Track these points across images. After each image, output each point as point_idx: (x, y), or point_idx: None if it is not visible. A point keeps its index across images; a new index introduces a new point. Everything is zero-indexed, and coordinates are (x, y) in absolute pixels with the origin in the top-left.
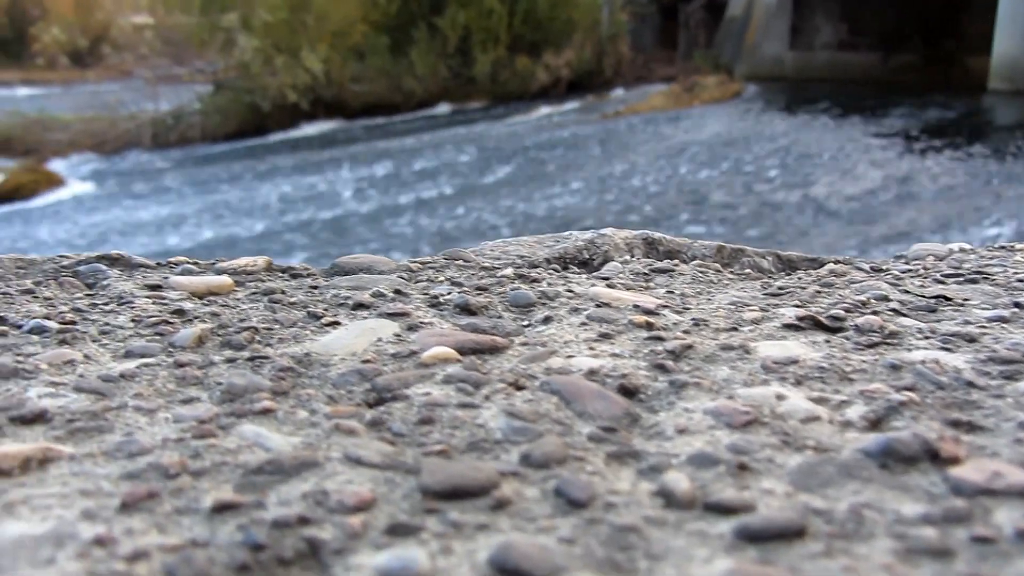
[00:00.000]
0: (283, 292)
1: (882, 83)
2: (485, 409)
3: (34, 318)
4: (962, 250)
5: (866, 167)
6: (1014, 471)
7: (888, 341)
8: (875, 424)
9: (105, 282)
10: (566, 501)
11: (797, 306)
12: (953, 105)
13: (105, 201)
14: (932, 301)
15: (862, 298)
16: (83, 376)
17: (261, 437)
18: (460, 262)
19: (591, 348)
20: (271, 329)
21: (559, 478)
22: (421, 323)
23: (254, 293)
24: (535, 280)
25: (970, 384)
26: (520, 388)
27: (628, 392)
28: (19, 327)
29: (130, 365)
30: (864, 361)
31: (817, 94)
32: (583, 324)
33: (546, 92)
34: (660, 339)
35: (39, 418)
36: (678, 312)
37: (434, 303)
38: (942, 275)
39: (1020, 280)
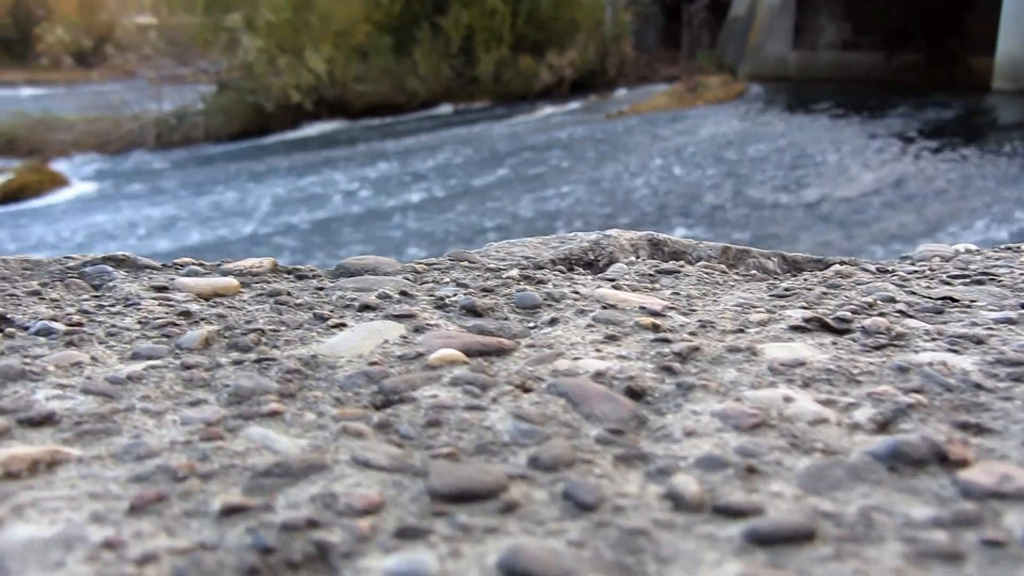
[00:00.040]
0: (289, 294)
1: (886, 83)
2: (492, 411)
3: (41, 319)
4: (968, 251)
5: (870, 167)
6: (1023, 474)
7: (895, 343)
8: (883, 426)
9: (111, 283)
10: (574, 504)
11: (803, 308)
12: (957, 105)
13: (109, 201)
14: (939, 302)
15: (868, 299)
16: (90, 378)
17: (269, 439)
18: (465, 263)
19: (598, 350)
20: (277, 331)
21: (567, 481)
22: (427, 325)
23: (260, 295)
24: (541, 281)
25: (978, 386)
26: (527, 390)
27: (635, 394)
28: (26, 328)
29: (137, 367)
30: (871, 363)
31: (820, 94)
32: (589, 326)
33: (549, 92)
34: (667, 341)
35: (47, 420)
36: (684, 314)
37: (440, 305)
38: (948, 276)
39: None
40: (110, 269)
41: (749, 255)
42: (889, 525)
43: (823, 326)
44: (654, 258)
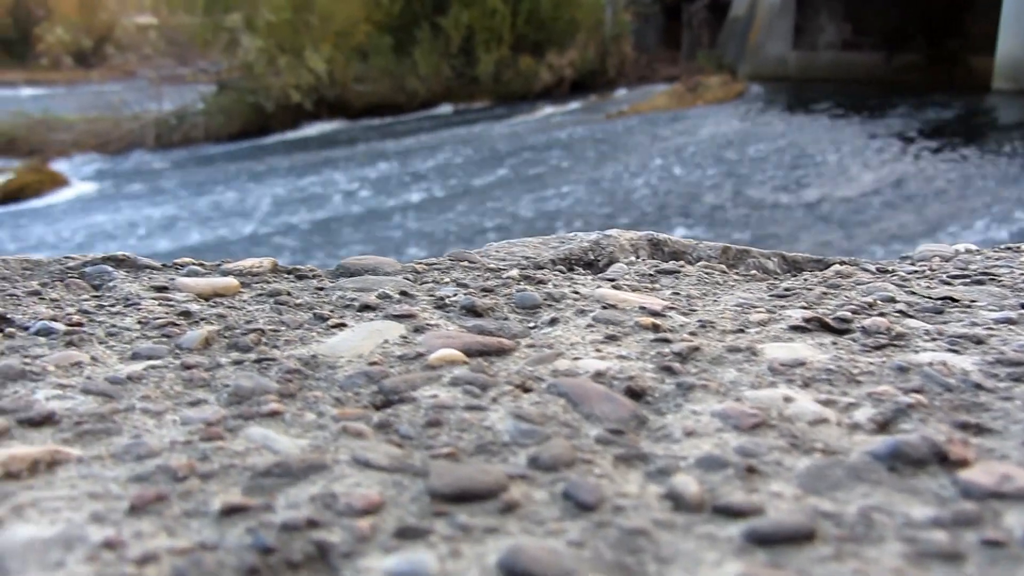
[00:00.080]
0: (289, 294)
1: (886, 83)
2: (492, 411)
3: (41, 319)
4: (968, 251)
5: (870, 167)
6: (1023, 474)
7: (895, 343)
8: (883, 426)
9: (111, 283)
10: (574, 504)
11: (803, 308)
12: (957, 105)
13: (109, 201)
14: (939, 303)
15: (869, 299)
16: (90, 378)
17: (269, 439)
18: (465, 263)
19: (598, 350)
20: (277, 331)
21: (567, 481)
22: (427, 325)
23: (260, 295)
24: (541, 281)
25: (978, 386)
26: (527, 390)
27: (635, 394)
28: (26, 329)
29: (137, 367)
30: (871, 363)
31: (820, 94)
32: (589, 326)
33: (549, 92)
34: (667, 341)
35: (47, 420)
36: (684, 314)
37: (440, 305)
38: (948, 276)
39: None
40: (110, 269)
41: (749, 255)
42: (889, 525)
43: (823, 326)
44: (654, 258)
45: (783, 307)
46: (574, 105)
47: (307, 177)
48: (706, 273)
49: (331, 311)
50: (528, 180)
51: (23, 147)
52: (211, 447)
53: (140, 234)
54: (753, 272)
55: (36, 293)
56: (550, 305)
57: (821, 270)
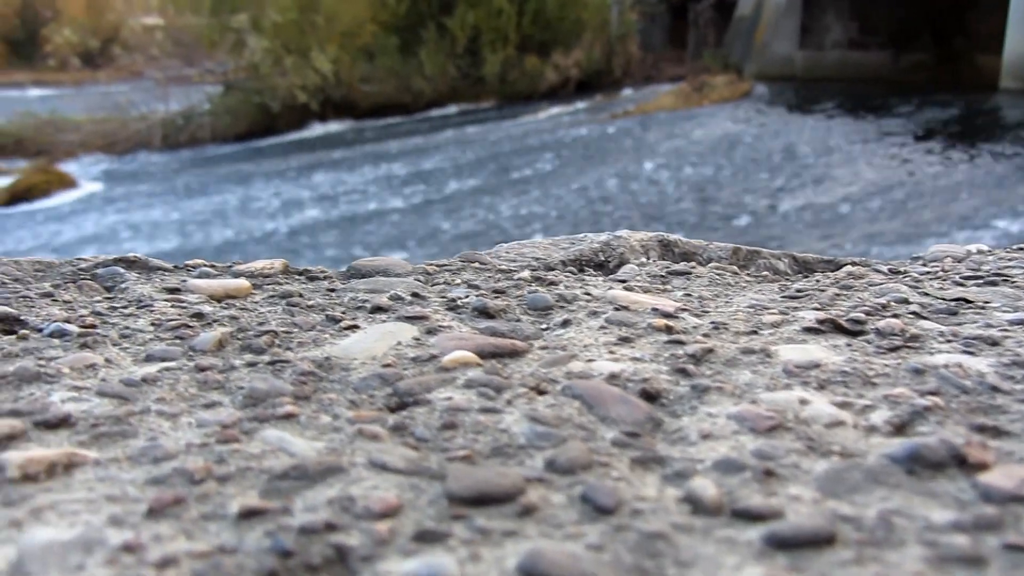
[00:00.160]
0: (301, 295)
1: (892, 82)
2: (507, 414)
3: (54, 321)
4: (980, 252)
5: (877, 167)
6: None
7: (910, 345)
8: (900, 429)
9: (123, 285)
10: (593, 507)
11: (817, 309)
12: (964, 104)
13: (116, 202)
14: (952, 304)
15: (882, 301)
16: (105, 380)
17: (285, 442)
18: (476, 264)
19: (611, 352)
20: (290, 333)
21: (585, 484)
22: (440, 326)
23: (272, 296)
24: (552, 283)
25: (994, 388)
26: (542, 392)
27: (650, 397)
28: (40, 330)
29: (151, 369)
30: (887, 365)
31: (827, 93)
32: (602, 327)
33: (555, 92)
34: (680, 343)
35: (63, 422)
36: (697, 315)
37: (452, 306)
38: (961, 277)
39: None
40: (122, 271)
41: (760, 256)
42: (909, 529)
43: (837, 328)
44: (664, 259)
45: (796, 308)
46: (580, 105)
47: (313, 177)
48: (717, 274)
49: (343, 313)
50: (533, 180)
51: (31, 148)
52: (227, 449)
53: (148, 235)
54: (764, 273)
55: (49, 295)
56: (562, 307)
57: (832, 271)
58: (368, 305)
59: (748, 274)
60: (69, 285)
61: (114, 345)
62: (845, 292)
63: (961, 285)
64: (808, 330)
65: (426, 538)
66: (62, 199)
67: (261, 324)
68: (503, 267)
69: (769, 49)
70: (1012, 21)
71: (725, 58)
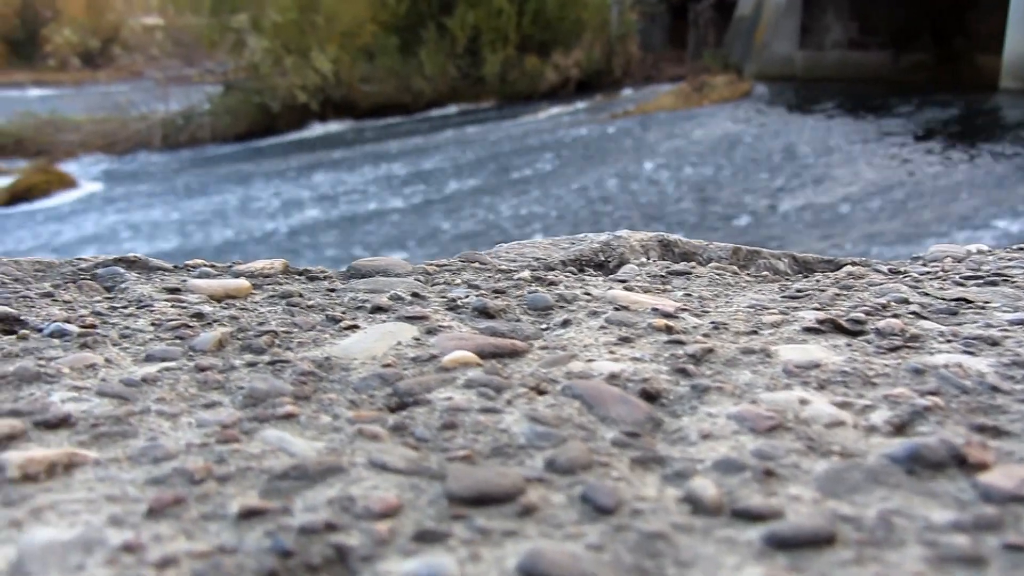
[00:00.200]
0: (301, 295)
1: (892, 82)
2: (507, 414)
3: (54, 321)
4: (980, 252)
5: (877, 167)
6: None
7: (910, 345)
8: (900, 429)
9: (123, 285)
10: (593, 507)
11: (817, 309)
12: (964, 104)
13: (116, 202)
14: (952, 304)
15: (882, 301)
16: (105, 380)
17: (285, 442)
18: (476, 264)
19: (611, 352)
20: (290, 333)
21: (585, 484)
22: (440, 326)
23: (272, 296)
24: (552, 283)
25: (994, 388)
26: (542, 392)
27: (650, 396)
28: (40, 330)
29: (151, 369)
30: (886, 365)
31: (827, 94)
32: (602, 328)
33: (555, 92)
34: (680, 343)
35: (63, 422)
36: (697, 315)
37: (452, 306)
38: (961, 277)
39: None
40: (122, 271)
41: (760, 256)
42: (909, 529)
43: (837, 328)
44: (664, 259)
45: (796, 308)
46: (580, 105)
47: (313, 177)
48: (717, 274)
49: (343, 313)
50: (533, 180)
51: (31, 148)
52: (227, 449)
53: (148, 235)
54: (764, 273)
55: (49, 295)
56: (562, 307)
57: (832, 271)
58: (368, 305)
59: (748, 274)
60: (69, 285)
61: (114, 345)
62: (845, 292)
63: (961, 285)
64: (808, 330)
65: (426, 538)
66: (62, 199)
67: (261, 324)
68: (503, 267)
69: (769, 49)
70: (1012, 21)
71: (725, 58)
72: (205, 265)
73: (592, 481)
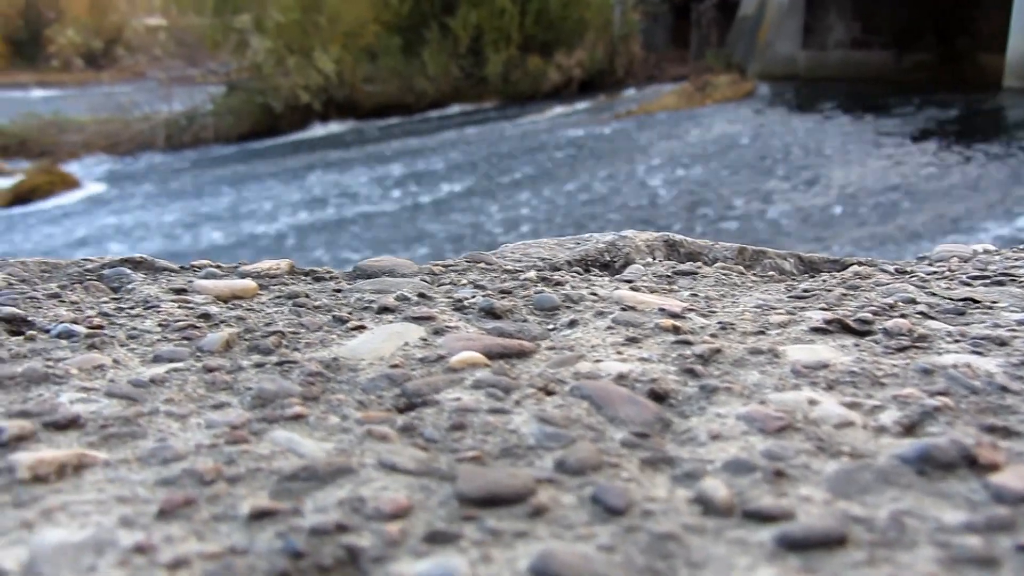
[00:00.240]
0: (307, 296)
1: (895, 82)
2: (516, 415)
3: (62, 322)
4: (986, 251)
5: (880, 167)
6: None
7: (918, 345)
8: (910, 429)
9: (130, 286)
10: (603, 508)
11: (823, 309)
12: (968, 103)
13: (120, 202)
14: (960, 304)
15: (889, 301)
16: (114, 381)
17: (294, 443)
18: (482, 265)
19: (619, 352)
20: (297, 333)
21: (595, 485)
22: (447, 327)
23: (278, 297)
24: (558, 283)
25: (1003, 388)
26: (550, 393)
27: (659, 397)
28: (47, 331)
29: (159, 370)
30: (895, 365)
31: (830, 93)
32: (609, 328)
33: (558, 92)
34: (688, 343)
35: (72, 424)
36: (704, 315)
37: (458, 307)
38: (968, 277)
39: None
40: (128, 271)
41: (765, 256)
42: (921, 530)
43: (844, 328)
44: (670, 259)
45: (803, 308)
46: (583, 105)
47: (316, 177)
48: (723, 274)
49: (350, 313)
50: (537, 180)
51: (34, 148)
52: (237, 450)
53: (152, 235)
54: (770, 273)
55: (56, 296)
56: (568, 307)
57: (839, 271)
58: (375, 306)
59: (754, 274)
60: (76, 286)
61: (122, 346)
62: (852, 292)
63: (968, 285)
64: (815, 330)
65: (437, 539)
66: (66, 200)
67: (268, 325)
68: (509, 267)
69: (772, 49)
70: (1015, 20)
71: (728, 58)
72: (211, 266)
73: (602, 482)
